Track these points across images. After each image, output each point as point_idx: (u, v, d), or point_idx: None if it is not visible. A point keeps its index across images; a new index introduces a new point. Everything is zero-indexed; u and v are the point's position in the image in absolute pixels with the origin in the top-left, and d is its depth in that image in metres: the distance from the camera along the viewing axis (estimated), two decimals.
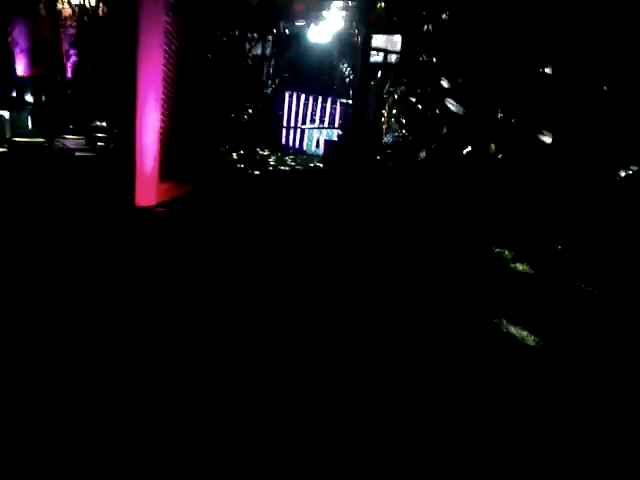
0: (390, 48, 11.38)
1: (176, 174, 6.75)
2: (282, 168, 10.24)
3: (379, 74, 11.75)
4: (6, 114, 10.48)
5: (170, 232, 5.33)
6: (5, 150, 8.98)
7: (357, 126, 10.85)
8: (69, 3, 10.86)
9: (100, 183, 6.97)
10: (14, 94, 12.10)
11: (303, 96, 11.78)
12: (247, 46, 10.49)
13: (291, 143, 11.89)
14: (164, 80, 6.24)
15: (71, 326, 3.09)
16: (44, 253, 4.20)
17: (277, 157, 10.87)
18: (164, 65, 6.20)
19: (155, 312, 3.36)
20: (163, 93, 6.26)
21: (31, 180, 6.86)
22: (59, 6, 11.07)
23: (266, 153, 10.82)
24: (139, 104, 6.16)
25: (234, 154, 10.16)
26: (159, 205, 6.24)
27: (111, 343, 2.94)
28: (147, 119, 6.21)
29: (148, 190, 6.18)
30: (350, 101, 11.46)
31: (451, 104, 6.75)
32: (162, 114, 6.32)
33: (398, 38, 11.05)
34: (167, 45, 6.26)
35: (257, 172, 9.53)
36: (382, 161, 10.21)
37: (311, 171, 10.52)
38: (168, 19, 6.21)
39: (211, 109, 8.16)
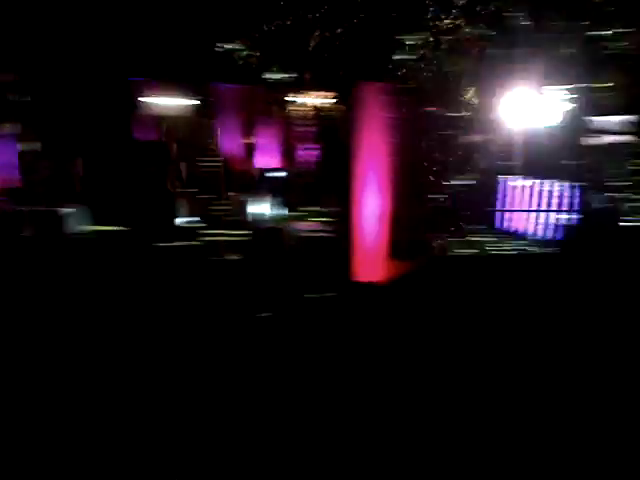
0: (618, 128, 10.98)
1: (396, 254, 7.16)
2: (502, 253, 10.12)
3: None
4: (249, 200, 12.29)
5: (382, 307, 5.71)
6: (247, 231, 10.50)
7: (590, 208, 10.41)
8: (305, 105, 12.48)
9: (325, 259, 7.71)
10: (255, 184, 14.14)
11: (522, 179, 11.71)
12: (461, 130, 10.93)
13: (507, 226, 11.73)
14: (386, 170, 6.86)
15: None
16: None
17: (494, 240, 10.79)
18: (386, 156, 6.83)
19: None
20: (386, 181, 6.85)
21: (269, 254, 8.05)
22: (295, 109, 12.79)
23: (480, 236, 10.81)
24: (360, 190, 6.82)
25: (450, 237, 10.35)
26: (379, 281, 6.67)
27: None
28: (367, 203, 6.82)
29: (369, 267, 6.69)
30: (578, 183, 11.08)
31: None
32: (383, 200, 6.88)
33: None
34: (388, 139, 6.93)
35: (475, 253, 9.60)
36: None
37: (538, 256, 10.13)
38: (389, 117, 6.92)
39: (427, 193, 8.62)
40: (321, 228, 9.45)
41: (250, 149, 15.78)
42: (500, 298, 6.39)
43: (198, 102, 17.02)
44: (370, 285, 6.54)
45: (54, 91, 12.51)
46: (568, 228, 10.22)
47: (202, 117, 14.61)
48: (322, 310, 5.47)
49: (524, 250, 10.27)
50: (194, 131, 15.60)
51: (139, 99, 16.83)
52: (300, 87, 11.69)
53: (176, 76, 15.48)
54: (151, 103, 17.88)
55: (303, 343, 4.46)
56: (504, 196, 11.69)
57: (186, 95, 17.36)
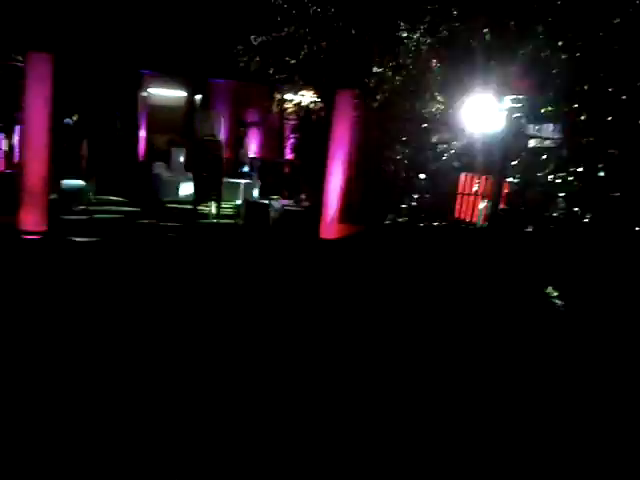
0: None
1: (349, 219, 9.46)
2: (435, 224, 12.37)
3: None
4: (240, 183, 14.45)
5: (339, 254, 8.28)
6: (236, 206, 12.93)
7: (517, 199, 12.56)
8: (291, 102, 14.61)
9: (300, 224, 10.16)
10: (246, 169, 16.29)
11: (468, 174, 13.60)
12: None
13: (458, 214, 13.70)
14: (347, 155, 9.07)
15: None
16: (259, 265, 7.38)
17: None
18: (348, 145, 9.04)
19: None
20: (345, 164, 9.07)
21: (257, 223, 10.60)
22: (285, 105, 14.93)
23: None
24: (328, 173, 9.02)
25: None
26: (337, 239, 9.00)
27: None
28: (332, 183, 9.03)
29: (330, 228, 8.97)
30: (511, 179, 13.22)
31: None
32: (342, 179, 9.12)
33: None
34: (352, 132, 9.12)
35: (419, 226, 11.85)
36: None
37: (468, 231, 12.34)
38: (354, 114, 9.11)
39: (378, 178, 10.92)
40: (302, 204, 11.66)
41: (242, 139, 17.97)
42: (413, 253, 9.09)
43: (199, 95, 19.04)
44: (329, 240, 8.92)
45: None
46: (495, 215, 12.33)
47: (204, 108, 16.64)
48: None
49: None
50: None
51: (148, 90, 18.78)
52: (289, 86, 13.78)
53: (181, 71, 17.50)
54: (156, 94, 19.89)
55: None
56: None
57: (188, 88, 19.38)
